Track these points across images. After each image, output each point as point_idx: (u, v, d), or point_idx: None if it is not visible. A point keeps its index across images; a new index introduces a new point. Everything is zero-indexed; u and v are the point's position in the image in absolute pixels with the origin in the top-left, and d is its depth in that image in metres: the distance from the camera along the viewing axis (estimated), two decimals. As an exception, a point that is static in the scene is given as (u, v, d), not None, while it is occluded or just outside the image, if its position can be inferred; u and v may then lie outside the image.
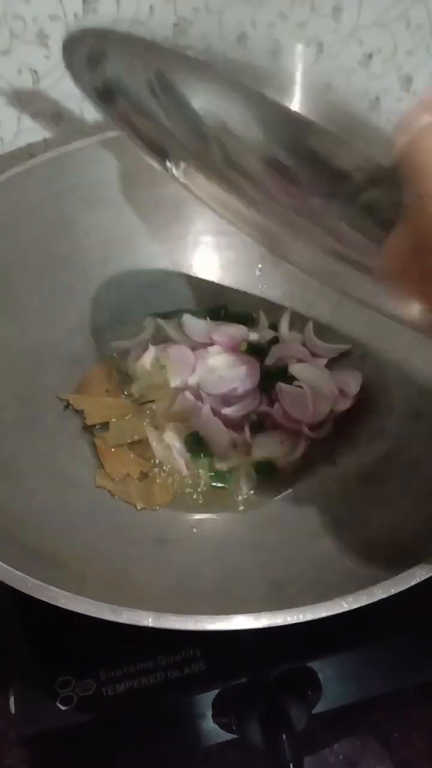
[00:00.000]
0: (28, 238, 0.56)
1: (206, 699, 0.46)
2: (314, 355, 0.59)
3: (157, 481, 0.51)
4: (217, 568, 0.43)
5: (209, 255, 0.64)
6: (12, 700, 0.48)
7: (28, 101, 0.66)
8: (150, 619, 0.31)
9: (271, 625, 0.31)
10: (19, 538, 0.39)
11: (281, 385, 0.55)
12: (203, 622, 0.31)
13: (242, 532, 0.47)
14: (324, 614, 0.31)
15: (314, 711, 0.47)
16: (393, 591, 0.32)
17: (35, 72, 0.65)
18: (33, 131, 0.69)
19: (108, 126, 0.70)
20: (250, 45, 0.71)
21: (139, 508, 0.49)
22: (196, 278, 0.65)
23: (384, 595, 0.32)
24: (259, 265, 0.64)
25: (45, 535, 0.41)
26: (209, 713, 0.46)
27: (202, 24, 0.68)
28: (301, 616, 0.31)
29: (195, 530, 0.48)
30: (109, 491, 0.49)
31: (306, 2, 0.70)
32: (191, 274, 0.64)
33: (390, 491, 0.47)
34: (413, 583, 0.32)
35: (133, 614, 0.31)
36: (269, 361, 0.58)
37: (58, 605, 0.32)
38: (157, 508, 0.49)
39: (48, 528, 0.42)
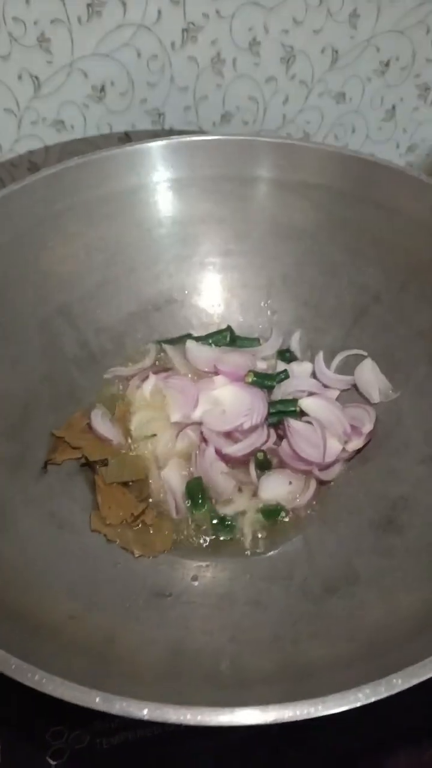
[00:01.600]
0: (26, 258, 0.53)
1: (206, 752, 0.43)
2: (325, 386, 0.56)
3: (150, 523, 0.48)
4: (219, 630, 0.40)
5: (215, 276, 0.61)
6: (-1, 750, 0.46)
7: (28, 108, 0.63)
8: (145, 711, 0.28)
9: (279, 721, 0.28)
10: (6, 599, 0.36)
11: (290, 422, 0.52)
12: (204, 716, 0.28)
13: (246, 585, 0.44)
14: (337, 709, 0.28)
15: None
16: (414, 681, 0.29)
17: (36, 78, 0.62)
18: (33, 138, 0.66)
19: (109, 141, 0.67)
20: (262, 51, 0.68)
21: (136, 555, 0.46)
22: (202, 300, 0.62)
23: (405, 686, 0.29)
24: (267, 288, 0.61)
25: (35, 594, 0.38)
26: (210, 768, 0.43)
27: (213, 29, 0.65)
28: (312, 710, 0.28)
29: (196, 583, 0.45)
30: (105, 536, 0.46)
31: (322, 7, 0.67)
32: (196, 296, 0.62)
33: (408, 541, 0.43)
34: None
35: (127, 704, 0.28)
36: (277, 393, 0.55)
37: (43, 691, 0.29)
38: (157, 555, 0.46)
39: (39, 584, 0.39)
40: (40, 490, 0.47)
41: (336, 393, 0.56)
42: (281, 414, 0.53)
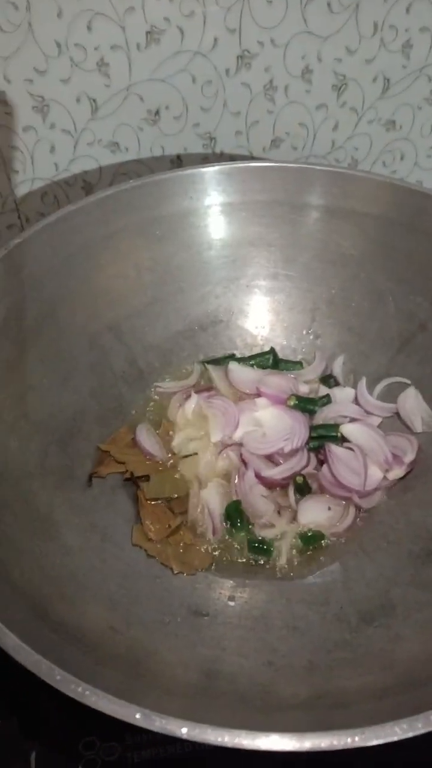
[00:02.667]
0: (79, 276, 0.55)
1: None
2: (367, 413, 0.56)
3: (189, 543, 0.49)
4: (255, 653, 0.40)
5: (261, 299, 0.62)
6: (33, 759, 0.47)
7: (85, 129, 0.65)
8: (185, 730, 0.28)
9: (315, 749, 0.28)
10: (50, 609, 0.37)
11: (331, 447, 0.52)
12: (242, 739, 0.28)
13: (282, 608, 0.44)
14: (374, 742, 0.28)
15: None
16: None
17: (94, 100, 0.64)
18: (88, 158, 0.68)
19: (162, 163, 0.69)
20: (314, 79, 0.69)
21: (175, 572, 0.46)
22: (247, 322, 0.62)
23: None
24: (312, 312, 0.62)
25: (77, 605, 0.39)
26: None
27: (267, 57, 0.66)
28: (349, 741, 0.28)
29: (232, 603, 0.45)
30: (146, 550, 0.47)
31: (375, 38, 0.68)
32: (242, 317, 0.62)
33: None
34: None
35: (166, 722, 0.29)
36: (319, 417, 0.56)
37: (86, 703, 0.30)
38: (195, 573, 0.47)
39: (81, 595, 0.40)
40: (85, 502, 0.48)
41: (378, 420, 0.56)
42: (322, 439, 0.53)
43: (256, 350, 0.62)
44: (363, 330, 0.59)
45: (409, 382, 0.56)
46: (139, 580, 0.45)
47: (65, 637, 0.35)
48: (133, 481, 0.52)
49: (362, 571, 0.46)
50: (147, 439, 0.53)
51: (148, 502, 0.50)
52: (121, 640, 0.39)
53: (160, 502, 0.50)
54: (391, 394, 0.57)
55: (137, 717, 0.29)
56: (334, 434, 0.54)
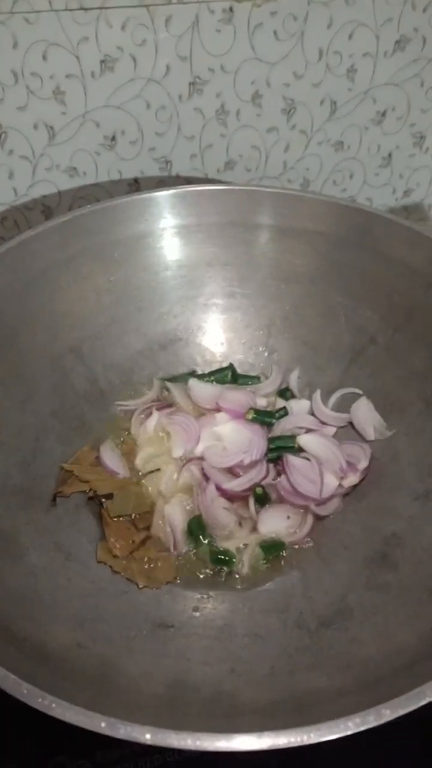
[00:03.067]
0: (40, 299, 0.56)
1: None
2: (322, 423, 0.58)
3: (153, 558, 0.50)
4: (219, 662, 0.41)
5: (218, 316, 0.64)
6: (1, 780, 0.47)
7: (43, 155, 0.67)
8: (148, 736, 0.29)
9: (274, 747, 0.29)
10: (15, 628, 0.37)
11: (289, 458, 0.54)
12: (203, 741, 0.29)
13: (245, 617, 0.46)
14: (328, 737, 0.29)
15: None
16: (401, 712, 0.30)
17: (51, 127, 0.66)
18: (47, 183, 0.70)
19: (119, 187, 0.71)
20: (264, 103, 0.72)
21: (141, 586, 0.48)
22: (205, 340, 0.64)
23: (392, 717, 0.30)
24: (268, 328, 0.64)
25: (43, 623, 0.40)
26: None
27: (218, 83, 0.69)
28: (305, 737, 0.29)
29: (197, 614, 0.46)
30: (111, 567, 0.48)
31: (321, 63, 0.71)
32: (200, 335, 0.64)
33: (401, 577, 0.45)
34: (424, 702, 0.31)
35: (131, 729, 0.30)
36: (276, 429, 0.57)
37: (52, 714, 0.31)
38: (160, 586, 0.48)
39: (47, 613, 0.41)
40: (49, 522, 0.49)
41: (333, 430, 0.58)
42: (280, 450, 0.55)
43: (215, 366, 0.63)
44: (317, 344, 0.61)
45: (361, 392, 0.58)
46: (104, 597, 0.45)
47: (31, 654, 0.36)
48: (97, 500, 0.52)
49: (320, 577, 0.48)
50: (110, 457, 0.55)
51: (112, 519, 0.51)
52: (88, 656, 0.39)
53: (123, 518, 0.51)
54: (344, 405, 0.59)
55: (102, 726, 0.30)
56: (291, 445, 0.55)
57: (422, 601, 0.41)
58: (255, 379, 0.63)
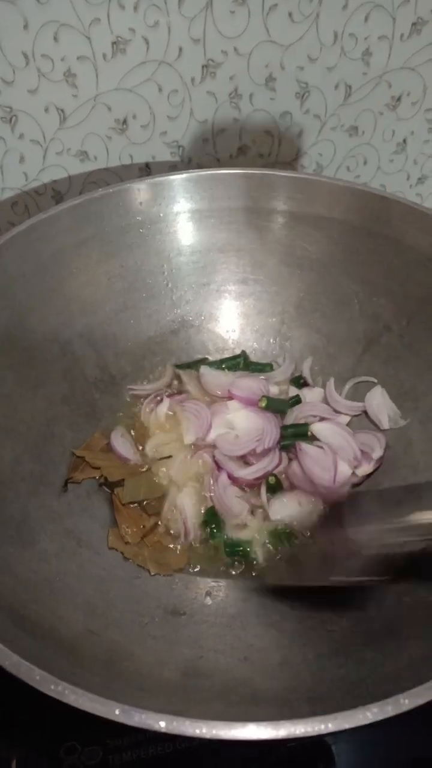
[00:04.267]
0: (50, 284, 0.55)
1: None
2: (336, 412, 0.57)
3: (161, 542, 0.50)
4: (231, 650, 0.41)
5: (231, 303, 0.63)
6: (14, 765, 0.47)
7: (53, 139, 0.66)
8: (162, 723, 0.29)
9: (291, 736, 0.29)
10: (28, 614, 0.37)
11: (302, 445, 0.53)
12: (218, 729, 0.29)
13: (257, 605, 0.45)
14: (346, 726, 0.29)
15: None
16: (420, 701, 0.30)
17: (62, 111, 0.65)
18: (58, 168, 0.69)
19: (130, 172, 0.70)
20: (278, 87, 0.71)
21: (152, 573, 0.47)
22: (218, 326, 0.63)
23: (411, 706, 0.30)
24: (281, 315, 0.63)
25: (55, 610, 0.40)
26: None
27: (231, 66, 0.68)
28: (322, 727, 0.29)
29: (209, 601, 0.46)
30: (122, 553, 0.48)
31: (336, 46, 0.69)
32: (213, 322, 0.64)
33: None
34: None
35: (146, 717, 0.29)
36: (289, 417, 0.57)
37: (66, 701, 0.30)
38: (171, 573, 0.47)
39: (59, 600, 0.41)
40: (61, 508, 0.48)
41: (347, 419, 0.57)
42: (294, 438, 0.54)
43: (227, 354, 0.63)
44: (330, 332, 0.60)
45: (375, 381, 0.57)
46: (115, 583, 0.45)
47: (43, 640, 0.35)
48: (108, 486, 0.52)
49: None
50: (121, 443, 0.54)
51: (124, 505, 0.50)
52: (99, 642, 0.39)
53: (135, 505, 0.51)
54: (358, 394, 0.58)
55: (117, 713, 0.29)
56: (304, 433, 0.55)
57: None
58: (267, 367, 0.62)
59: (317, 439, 0.55)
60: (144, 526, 0.50)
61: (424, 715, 0.46)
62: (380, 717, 0.30)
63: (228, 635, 0.43)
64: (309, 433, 0.55)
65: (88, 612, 0.41)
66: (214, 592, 0.47)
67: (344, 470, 0.52)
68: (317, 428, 0.55)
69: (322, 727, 0.29)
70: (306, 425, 0.55)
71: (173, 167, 0.73)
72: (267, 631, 0.43)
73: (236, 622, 0.44)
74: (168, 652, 0.40)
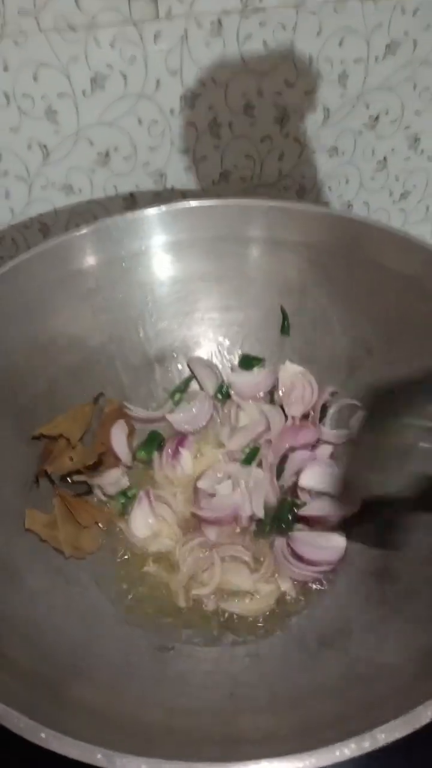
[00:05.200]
0: (36, 321, 0.56)
1: None
2: (320, 441, 0.58)
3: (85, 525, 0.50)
4: (218, 686, 0.41)
5: (215, 330, 0.64)
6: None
7: (38, 174, 0.67)
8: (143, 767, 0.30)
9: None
10: (13, 656, 0.38)
11: (293, 535, 0.53)
12: (198, 772, 0.29)
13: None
14: (325, 763, 0.29)
15: None
16: (398, 735, 0.30)
17: (44, 146, 0.66)
18: (44, 202, 0.70)
19: (115, 202, 0.71)
20: (257, 113, 0.72)
21: (67, 555, 0.48)
22: (203, 354, 0.64)
23: (389, 740, 0.30)
24: (266, 341, 0.64)
25: (40, 650, 0.40)
26: None
27: (209, 95, 0.68)
28: (300, 765, 0.29)
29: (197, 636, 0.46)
30: (38, 535, 0.48)
31: (312, 70, 0.70)
32: (198, 349, 0.64)
33: (400, 591, 0.45)
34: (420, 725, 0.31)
35: (127, 761, 0.30)
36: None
37: (50, 748, 0.31)
38: (85, 556, 0.49)
39: (45, 639, 0.41)
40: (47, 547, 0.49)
41: (330, 449, 0.58)
42: (281, 522, 0.54)
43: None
44: (312, 356, 0.61)
45: (359, 404, 0.58)
46: (103, 621, 0.45)
47: (28, 682, 0.36)
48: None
49: (320, 593, 0.48)
50: (119, 438, 0.56)
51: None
52: (85, 683, 0.39)
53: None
54: (342, 418, 0.59)
55: (99, 757, 0.30)
56: (286, 520, 0.54)
57: (421, 617, 0.41)
58: (256, 361, 0.63)
59: (300, 521, 0.54)
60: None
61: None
62: (358, 753, 0.30)
63: (215, 670, 0.43)
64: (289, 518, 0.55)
65: (75, 652, 0.41)
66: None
67: (338, 543, 0.51)
68: (305, 479, 0.55)
69: (300, 765, 0.29)
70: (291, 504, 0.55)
71: (157, 195, 0.73)
72: (254, 662, 0.43)
73: (225, 654, 0.44)
74: (154, 691, 0.40)
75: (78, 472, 0.54)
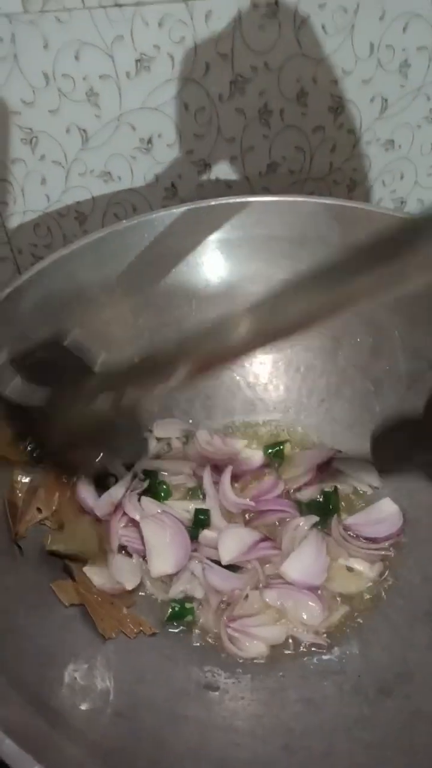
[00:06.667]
0: (73, 323, 0.52)
1: None
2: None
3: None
4: (270, 734, 0.38)
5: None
6: None
7: (76, 159, 0.63)
8: None
9: None
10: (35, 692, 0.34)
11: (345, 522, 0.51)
12: None
13: (296, 678, 0.42)
14: None
15: None
16: None
17: (84, 131, 0.62)
18: (81, 189, 0.66)
19: (156, 192, 0.67)
20: (310, 102, 0.67)
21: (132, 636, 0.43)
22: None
23: None
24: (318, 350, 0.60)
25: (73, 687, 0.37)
26: None
27: (260, 81, 0.64)
28: None
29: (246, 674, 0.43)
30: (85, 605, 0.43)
31: (372, 58, 0.66)
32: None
33: None
34: None
35: None
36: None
37: None
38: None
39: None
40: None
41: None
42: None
43: (259, 389, 0.59)
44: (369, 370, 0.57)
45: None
46: (143, 655, 0.42)
47: (55, 725, 0.32)
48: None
49: (377, 631, 0.44)
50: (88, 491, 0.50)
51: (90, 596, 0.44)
52: (124, 725, 0.36)
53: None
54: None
55: None
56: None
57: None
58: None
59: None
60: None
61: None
62: None
63: (266, 715, 0.39)
64: None
65: (118, 694, 0.38)
66: (249, 663, 0.44)
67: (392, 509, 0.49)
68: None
69: None
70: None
71: (200, 186, 0.69)
72: (307, 709, 0.40)
73: (275, 698, 0.41)
74: (200, 737, 0.37)
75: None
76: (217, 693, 0.40)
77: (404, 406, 0.54)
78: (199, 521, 0.51)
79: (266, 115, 0.67)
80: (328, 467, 0.55)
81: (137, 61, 0.60)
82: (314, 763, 0.35)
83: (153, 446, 0.56)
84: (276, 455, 0.57)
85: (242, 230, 0.57)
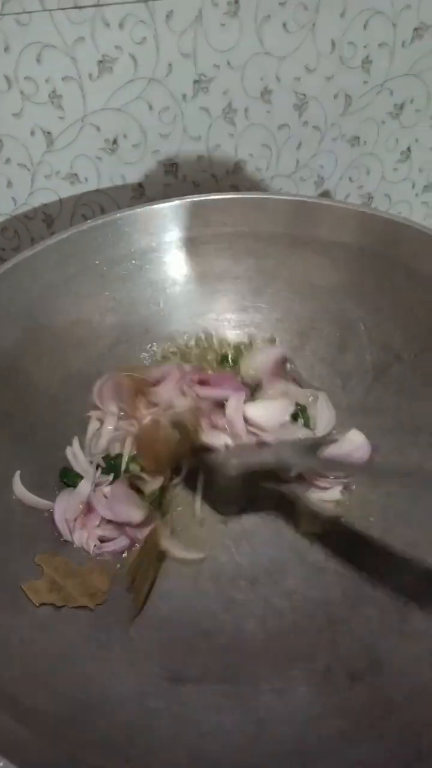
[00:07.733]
0: (40, 323, 0.53)
1: None
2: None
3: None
4: (239, 725, 0.38)
5: (231, 333, 0.60)
6: None
7: (41, 162, 0.63)
8: None
9: None
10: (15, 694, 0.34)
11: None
12: None
13: (268, 666, 0.42)
14: None
15: None
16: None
17: (48, 133, 0.62)
18: (47, 191, 0.66)
19: (123, 192, 0.67)
20: (274, 99, 0.68)
21: (92, 607, 0.43)
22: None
23: None
24: (284, 344, 0.60)
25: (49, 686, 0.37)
26: None
27: (224, 80, 0.65)
28: None
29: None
30: (53, 605, 0.43)
31: (334, 55, 0.66)
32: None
33: None
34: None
35: None
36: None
37: None
38: (104, 599, 0.44)
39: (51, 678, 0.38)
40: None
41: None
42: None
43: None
44: (335, 361, 0.57)
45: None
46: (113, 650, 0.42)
47: (32, 725, 0.33)
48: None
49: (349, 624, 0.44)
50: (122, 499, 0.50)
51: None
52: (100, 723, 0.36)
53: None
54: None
55: None
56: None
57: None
58: None
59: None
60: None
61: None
62: None
63: (236, 707, 0.39)
64: None
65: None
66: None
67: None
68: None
69: None
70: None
71: (167, 186, 0.70)
72: (278, 698, 0.40)
73: (246, 684, 0.41)
74: (172, 731, 0.37)
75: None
76: (187, 685, 0.41)
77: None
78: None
79: (231, 114, 0.67)
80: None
81: (99, 62, 0.60)
82: (285, 749, 0.35)
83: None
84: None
85: (208, 228, 0.57)
